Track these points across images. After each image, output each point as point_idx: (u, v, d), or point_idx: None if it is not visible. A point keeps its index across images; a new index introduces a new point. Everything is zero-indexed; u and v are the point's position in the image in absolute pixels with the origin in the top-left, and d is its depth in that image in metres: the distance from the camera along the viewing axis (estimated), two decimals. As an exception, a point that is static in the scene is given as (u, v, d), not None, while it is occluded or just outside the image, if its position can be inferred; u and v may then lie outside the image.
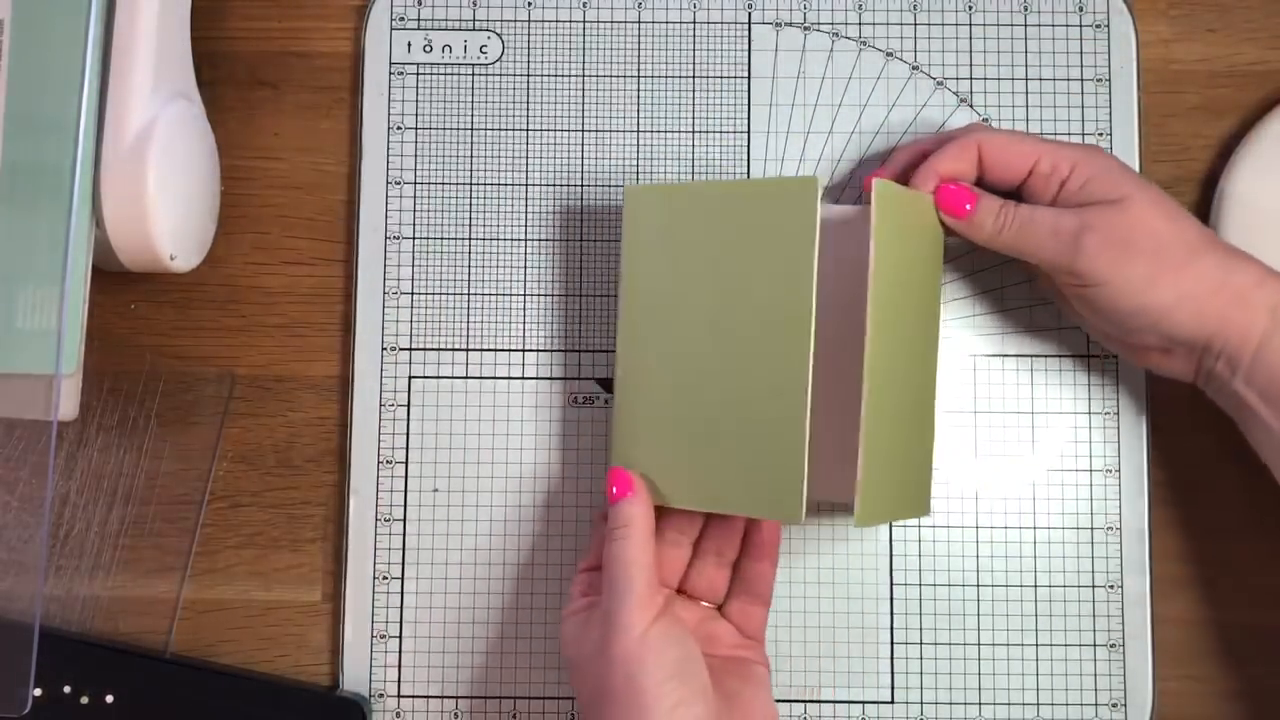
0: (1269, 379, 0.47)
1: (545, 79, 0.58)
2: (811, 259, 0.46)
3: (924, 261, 0.51)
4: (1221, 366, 0.48)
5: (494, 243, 0.57)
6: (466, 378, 0.56)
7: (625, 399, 0.51)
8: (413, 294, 0.57)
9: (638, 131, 0.57)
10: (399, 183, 0.57)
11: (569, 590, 0.51)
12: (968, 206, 0.50)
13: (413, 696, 0.55)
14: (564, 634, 0.49)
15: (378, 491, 0.56)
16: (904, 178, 0.52)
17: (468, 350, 0.57)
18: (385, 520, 0.56)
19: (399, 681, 0.55)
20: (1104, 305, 0.49)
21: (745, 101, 0.58)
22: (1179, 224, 0.48)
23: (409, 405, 0.56)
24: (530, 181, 0.57)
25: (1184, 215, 0.49)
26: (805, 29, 0.58)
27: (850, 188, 0.57)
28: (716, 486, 0.48)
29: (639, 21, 0.58)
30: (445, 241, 0.57)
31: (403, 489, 0.56)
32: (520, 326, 0.57)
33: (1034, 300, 0.56)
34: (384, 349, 0.56)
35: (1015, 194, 0.51)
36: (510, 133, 0.58)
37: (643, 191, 0.52)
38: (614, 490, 0.49)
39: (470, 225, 0.57)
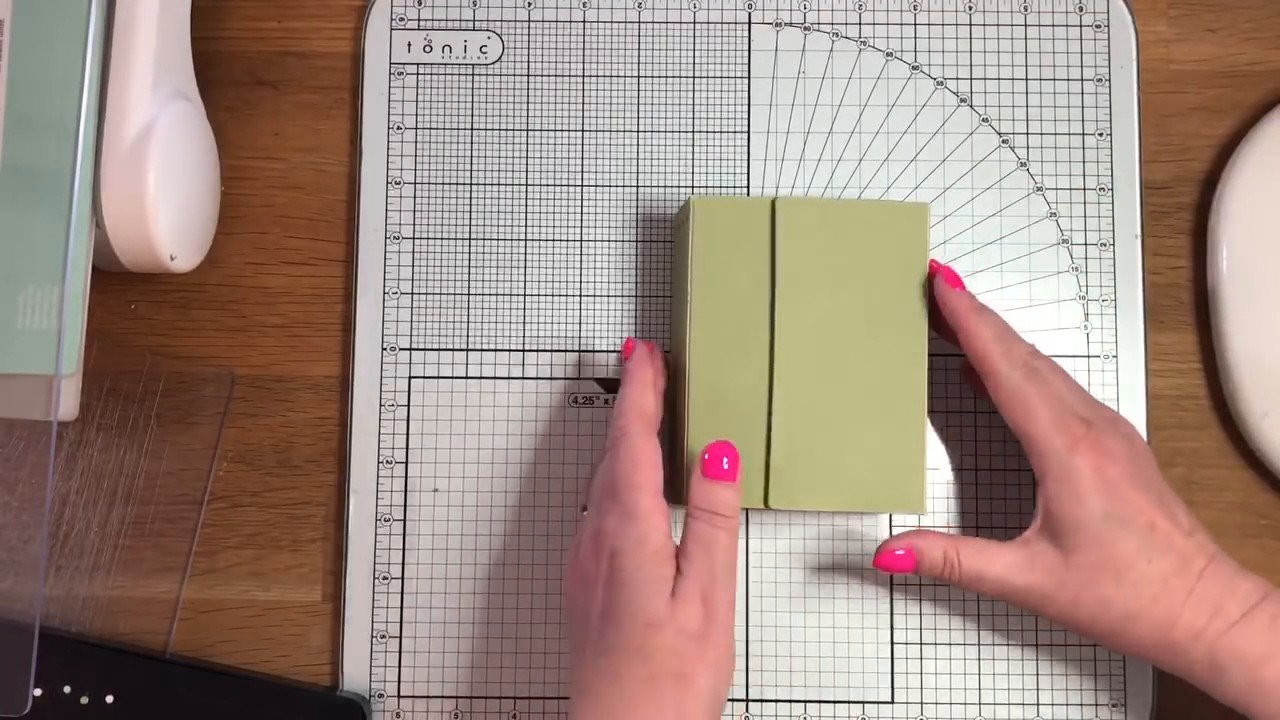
0: (1234, 702, 0.48)
1: (545, 79, 0.58)
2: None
3: (871, 265, 0.51)
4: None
5: (494, 243, 0.57)
6: (466, 378, 0.56)
7: (704, 412, 0.51)
8: (413, 294, 0.57)
9: (638, 131, 0.57)
10: (399, 183, 0.57)
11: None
12: (913, 562, 0.49)
13: (413, 696, 0.55)
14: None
15: (378, 491, 0.56)
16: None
17: (468, 350, 0.57)
18: (385, 520, 0.56)
19: (399, 681, 0.55)
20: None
21: (745, 101, 0.58)
22: (1124, 581, 0.47)
23: (409, 405, 0.56)
24: (530, 181, 0.57)
25: (1138, 561, 0.47)
26: (805, 29, 0.58)
27: (849, 188, 0.57)
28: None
29: (639, 21, 0.58)
30: (445, 241, 0.57)
31: (403, 489, 0.56)
32: (520, 326, 0.57)
33: (1032, 302, 0.56)
34: (384, 349, 0.56)
35: None
36: (510, 133, 0.58)
37: (716, 205, 0.52)
38: (720, 468, 0.47)
39: (470, 225, 0.57)
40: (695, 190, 0.57)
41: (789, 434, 0.50)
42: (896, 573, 0.50)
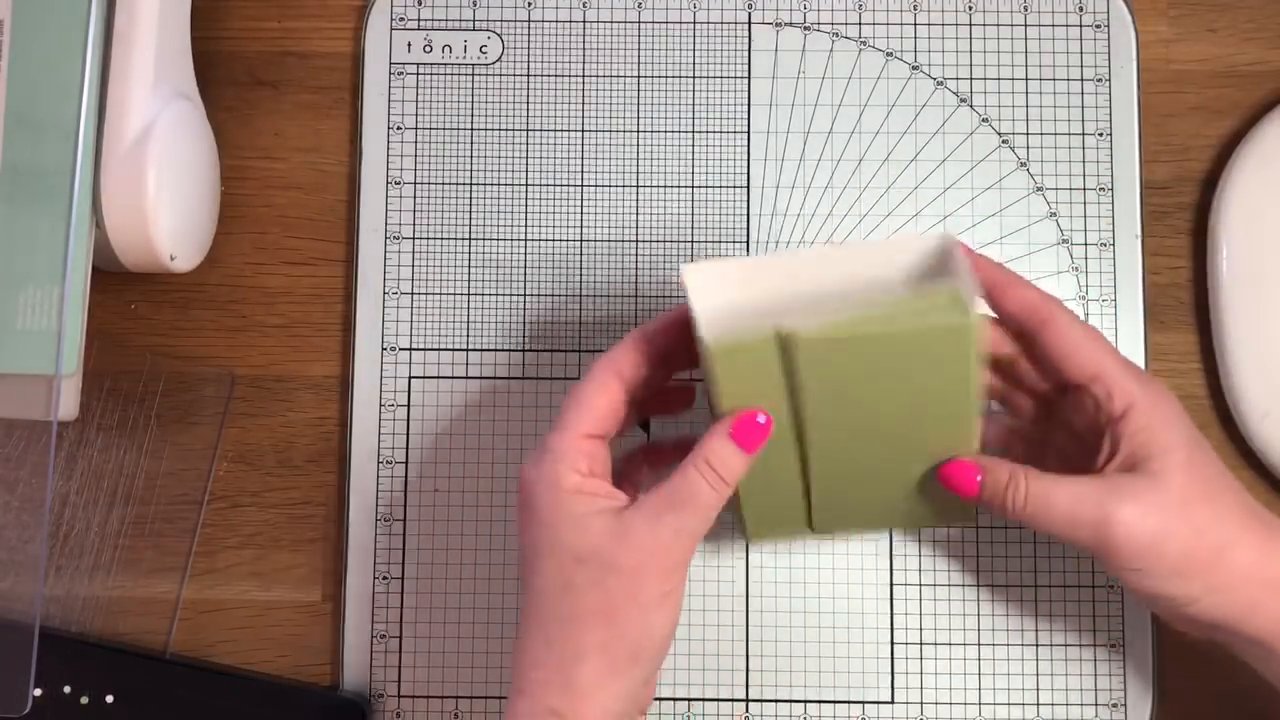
0: None
1: (545, 79, 0.58)
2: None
3: (910, 385, 0.43)
4: (1256, 650, 0.45)
5: (494, 243, 0.57)
6: (466, 378, 0.56)
7: (752, 494, 0.47)
8: (413, 294, 0.57)
9: (638, 131, 0.57)
10: (399, 183, 0.57)
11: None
12: (979, 479, 0.45)
13: (413, 696, 0.55)
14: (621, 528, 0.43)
15: (378, 491, 0.56)
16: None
17: (468, 350, 0.57)
18: (385, 520, 0.56)
19: (399, 681, 0.55)
20: (1123, 582, 0.45)
21: (745, 101, 0.58)
22: (1218, 505, 0.44)
23: (409, 405, 0.56)
24: (530, 181, 0.57)
25: (1226, 490, 0.45)
26: (805, 29, 0.58)
27: (849, 188, 0.57)
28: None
29: (639, 21, 0.58)
30: (445, 241, 0.57)
31: (403, 489, 0.56)
32: (520, 326, 0.57)
33: (1034, 300, 0.56)
34: (384, 349, 0.56)
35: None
36: (510, 133, 0.58)
37: (734, 350, 0.42)
38: (744, 434, 0.43)
39: (470, 225, 0.57)
40: (695, 190, 0.57)
41: (840, 490, 0.48)
42: (958, 489, 0.45)
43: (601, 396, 0.45)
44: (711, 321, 0.42)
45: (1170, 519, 0.44)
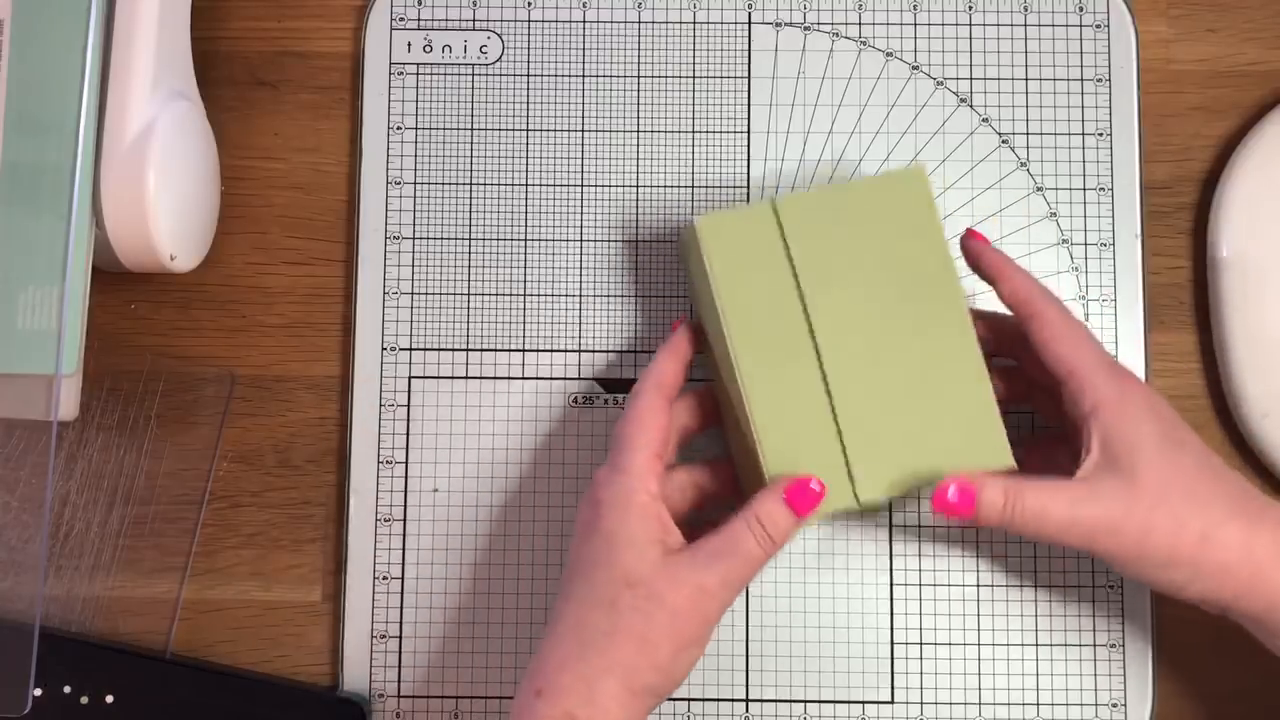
0: None
1: (545, 79, 0.58)
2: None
3: (886, 239, 0.49)
4: (1252, 626, 0.47)
5: (494, 243, 0.57)
6: (466, 378, 0.56)
7: (773, 430, 0.48)
8: (413, 294, 0.57)
9: (638, 131, 0.57)
10: (399, 183, 0.57)
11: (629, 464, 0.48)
12: (974, 507, 0.46)
13: (413, 696, 0.55)
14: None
15: (378, 491, 0.56)
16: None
17: (468, 350, 0.57)
18: (385, 520, 0.56)
19: (399, 681, 0.55)
20: (1123, 572, 0.48)
21: (745, 101, 0.58)
22: (1197, 494, 0.46)
23: (409, 405, 0.56)
24: (530, 181, 0.57)
25: (1207, 478, 0.46)
26: (805, 29, 0.58)
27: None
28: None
29: (639, 21, 0.58)
30: (445, 241, 0.57)
31: (403, 489, 0.56)
32: (520, 326, 0.57)
33: (1034, 300, 0.56)
34: (384, 349, 0.56)
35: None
36: (510, 133, 0.58)
37: (722, 221, 0.49)
38: (801, 500, 0.46)
39: (470, 225, 0.57)
40: (695, 190, 0.57)
41: (858, 427, 0.48)
42: (954, 518, 0.46)
43: (659, 414, 0.48)
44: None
45: (1150, 516, 0.45)
